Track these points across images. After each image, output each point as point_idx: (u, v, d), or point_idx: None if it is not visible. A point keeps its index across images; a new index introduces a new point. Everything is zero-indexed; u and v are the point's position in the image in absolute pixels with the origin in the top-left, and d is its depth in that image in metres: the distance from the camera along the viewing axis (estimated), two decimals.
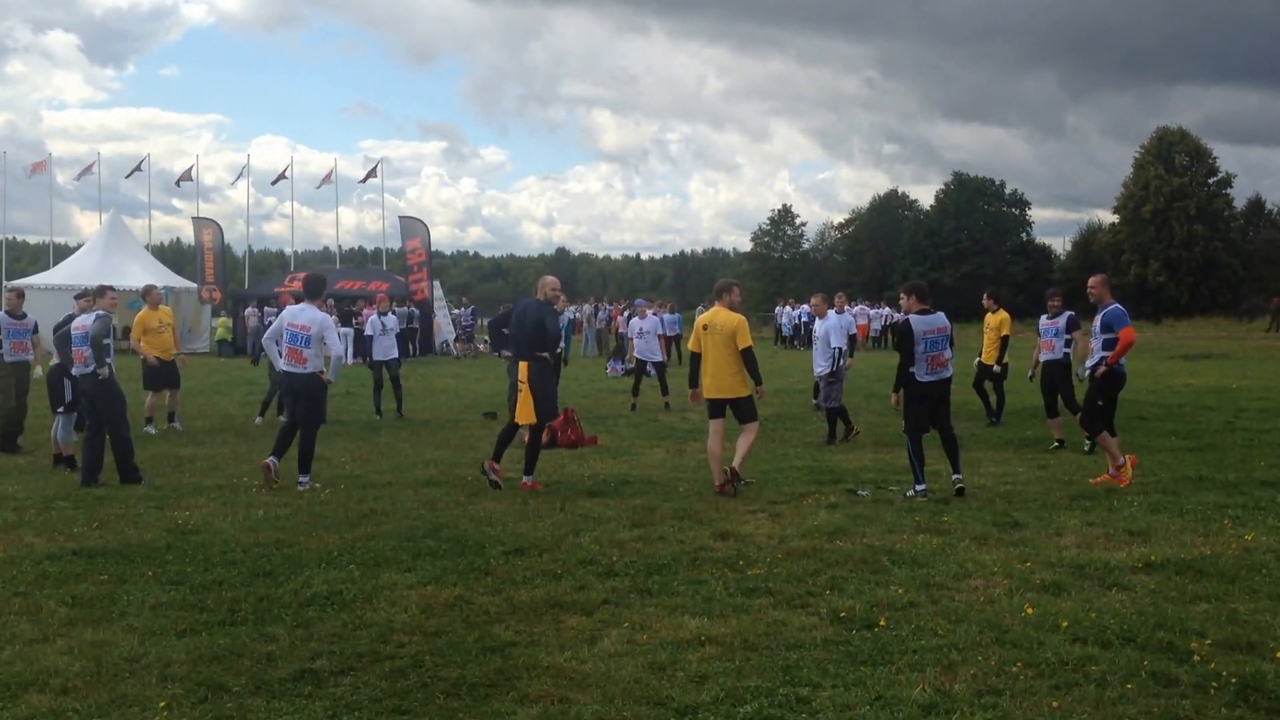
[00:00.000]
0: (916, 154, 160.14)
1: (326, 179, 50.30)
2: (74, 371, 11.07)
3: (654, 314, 20.33)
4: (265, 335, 11.18)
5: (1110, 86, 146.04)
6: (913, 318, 10.10)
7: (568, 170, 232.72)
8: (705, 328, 10.35)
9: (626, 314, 34.00)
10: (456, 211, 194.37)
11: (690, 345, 10.62)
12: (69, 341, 11.19)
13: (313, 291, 10.93)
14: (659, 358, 19.05)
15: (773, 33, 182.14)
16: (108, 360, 10.86)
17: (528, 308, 10.66)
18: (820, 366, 14.36)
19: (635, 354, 19.25)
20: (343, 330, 31.88)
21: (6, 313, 13.30)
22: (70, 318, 11.81)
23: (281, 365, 10.73)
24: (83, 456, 10.95)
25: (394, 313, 19.36)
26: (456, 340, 38.49)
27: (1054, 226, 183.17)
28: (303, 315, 10.64)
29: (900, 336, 10.26)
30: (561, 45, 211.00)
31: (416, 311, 34.82)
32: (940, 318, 10.10)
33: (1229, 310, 57.88)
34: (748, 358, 10.22)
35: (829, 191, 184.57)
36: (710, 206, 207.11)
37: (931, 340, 9.99)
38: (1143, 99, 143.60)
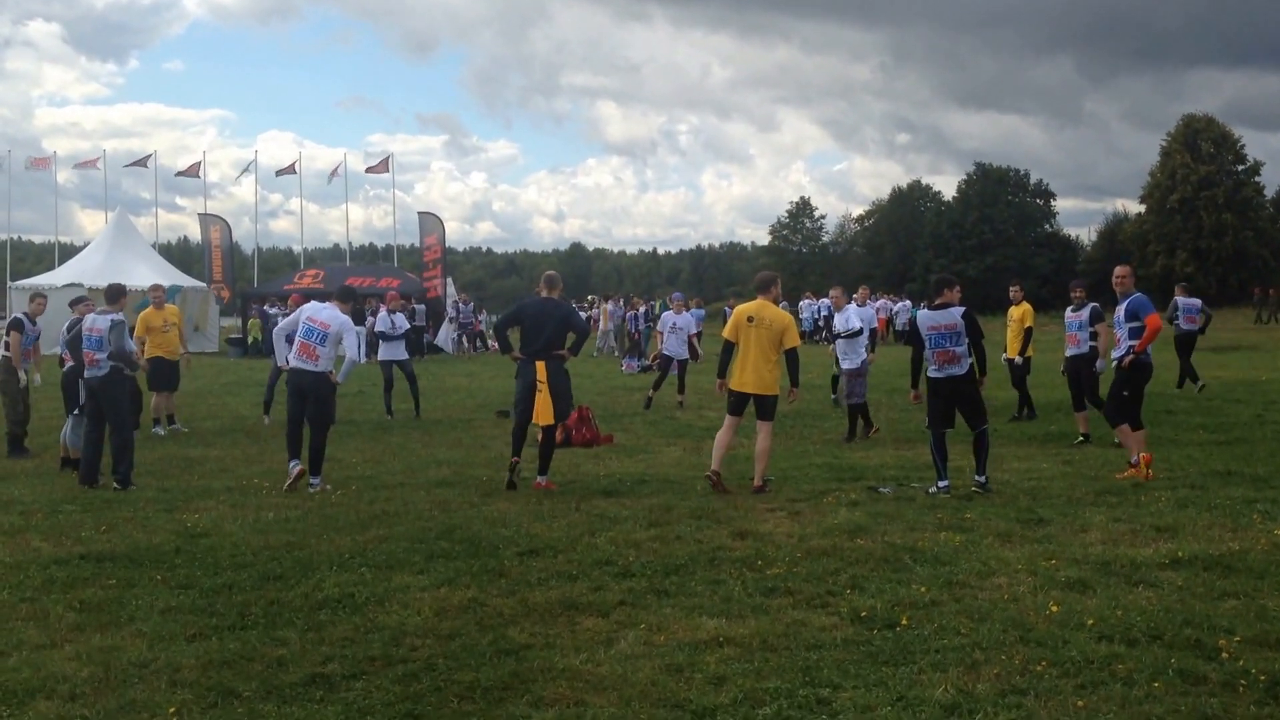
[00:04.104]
0: (930, 143, 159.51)
1: (335, 172, 50.33)
2: (85, 374, 11.01)
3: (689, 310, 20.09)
4: (276, 329, 11.14)
5: (1128, 71, 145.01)
6: (919, 313, 10.12)
7: (577, 164, 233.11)
8: (750, 319, 10.16)
9: (643, 310, 33.89)
10: (465, 207, 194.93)
11: (726, 334, 10.38)
12: (80, 343, 11.15)
13: (342, 298, 10.96)
14: (686, 355, 18.87)
15: (777, 19, 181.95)
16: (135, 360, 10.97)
17: (545, 306, 10.53)
18: (846, 360, 14.23)
19: (663, 349, 18.94)
20: (357, 329, 31.79)
21: (27, 315, 13.27)
22: (76, 323, 11.73)
23: (291, 360, 10.61)
24: (83, 455, 10.94)
25: (409, 310, 19.25)
26: (467, 339, 38.05)
27: (1074, 216, 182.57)
28: (324, 313, 10.59)
29: (911, 330, 10.22)
30: (561, 34, 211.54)
31: (422, 308, 34.46)
32: (950, 314, 9.96)
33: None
34: (794, 358, 10.22)
35: (845, 183, 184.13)
36: (724, 199, 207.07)
37: (936, 337, 9.90)
38: (1161, 84, 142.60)
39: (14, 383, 12.98)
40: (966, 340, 9.91)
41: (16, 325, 13.07)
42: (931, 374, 10.00)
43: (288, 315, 11.32)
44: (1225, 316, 50.91)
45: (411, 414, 16.91)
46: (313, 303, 11.05)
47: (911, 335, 10.24)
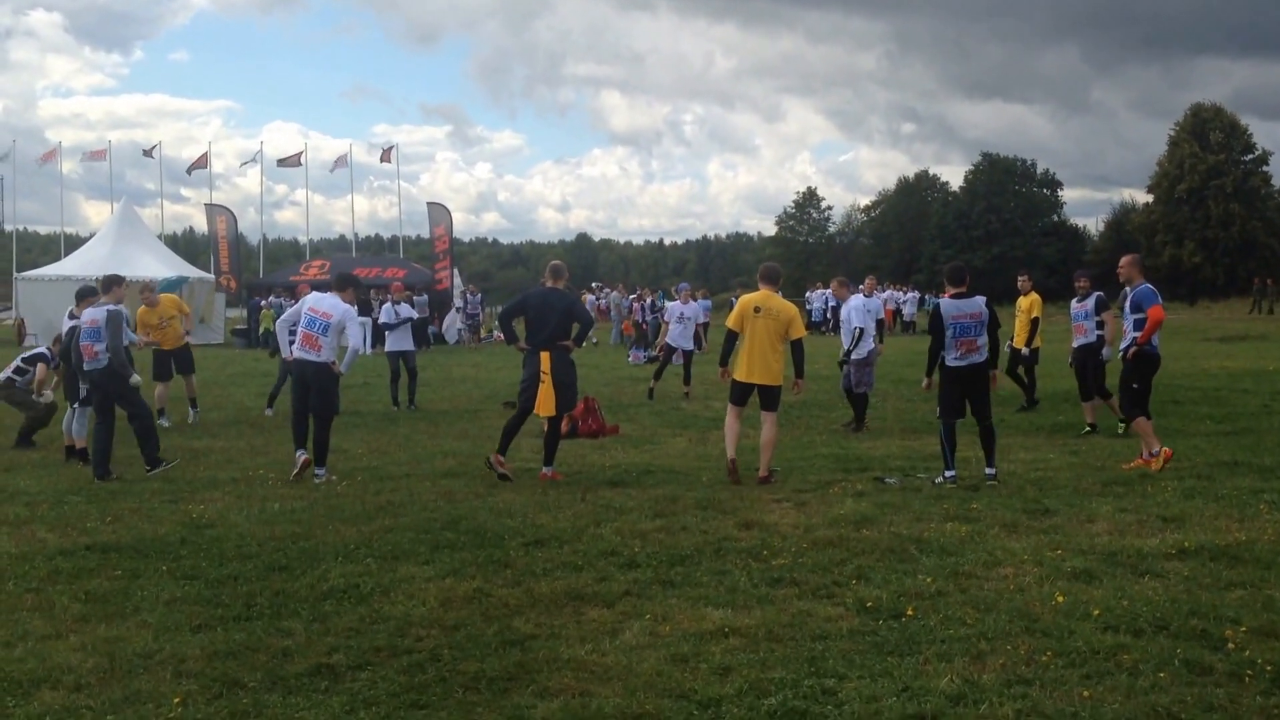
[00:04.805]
0: (936, 133, 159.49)
1: (340, 163, 50.24)
2: (85, 367, 11.03)
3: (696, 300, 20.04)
4: (280, 320, 11.12)
5: (1135, 60, 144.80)
6: (943, 301, 10.02)
7: (582, 154, 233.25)
8: (757, 309, 10.11)
9: (649, 301, 33.87)
10: (470, 197, 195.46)
11: (731, 323, 10.30)
12: (76, 336, 11.19)
13: (340, 285, 10.88)
14: (691, 346, 18.80)
15: (781, 8, 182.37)
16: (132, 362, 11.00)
17: (549, 296, 10.49)
18: (854, 351, 14.21)
19: (669, 339, 18.88)
20: (360, 319, 31.71)
21: (50, 350, 13.40)
22: (75, 327, 11.73)
23: (295, 351, 10.58)
24: (92, 449, 10.94)
25: (412, 301, 19.15)
26: (470, 330, 37.85)
27: (1081, 206, 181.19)
28: (325, 302, 10.57)
29: (931, 320, 10.15)
30: (564, 24, 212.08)
31: (423, 299, 34.28)
32: (975, 303, 9.94)
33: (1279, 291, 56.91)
34: (799, 349, 10.19)
35: (851, 173, 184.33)
36: (730, 190, 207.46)
37: (962, 325, 9.85)
38: (1168, 72, 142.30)
39: (25, 395, 13.18)
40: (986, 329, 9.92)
41: (42, 359, 13.31)
42: (952, 363, 9.91)
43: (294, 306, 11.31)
44: (1233, 306, 50.80)
45: (410, 405, 16.88)
46: (314, 293, 11.05)
47: (933, 325, 10.12)
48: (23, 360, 13.47)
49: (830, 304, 39.12)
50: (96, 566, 7.20)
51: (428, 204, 41.20)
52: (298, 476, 10.35)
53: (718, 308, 38.84)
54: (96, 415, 11.05)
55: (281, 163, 49.42)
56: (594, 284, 49.67)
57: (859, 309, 14.27)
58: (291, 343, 10.73)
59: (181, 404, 15.64)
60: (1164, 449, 10.33)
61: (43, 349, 13.59)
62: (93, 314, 11.00)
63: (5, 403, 13.48)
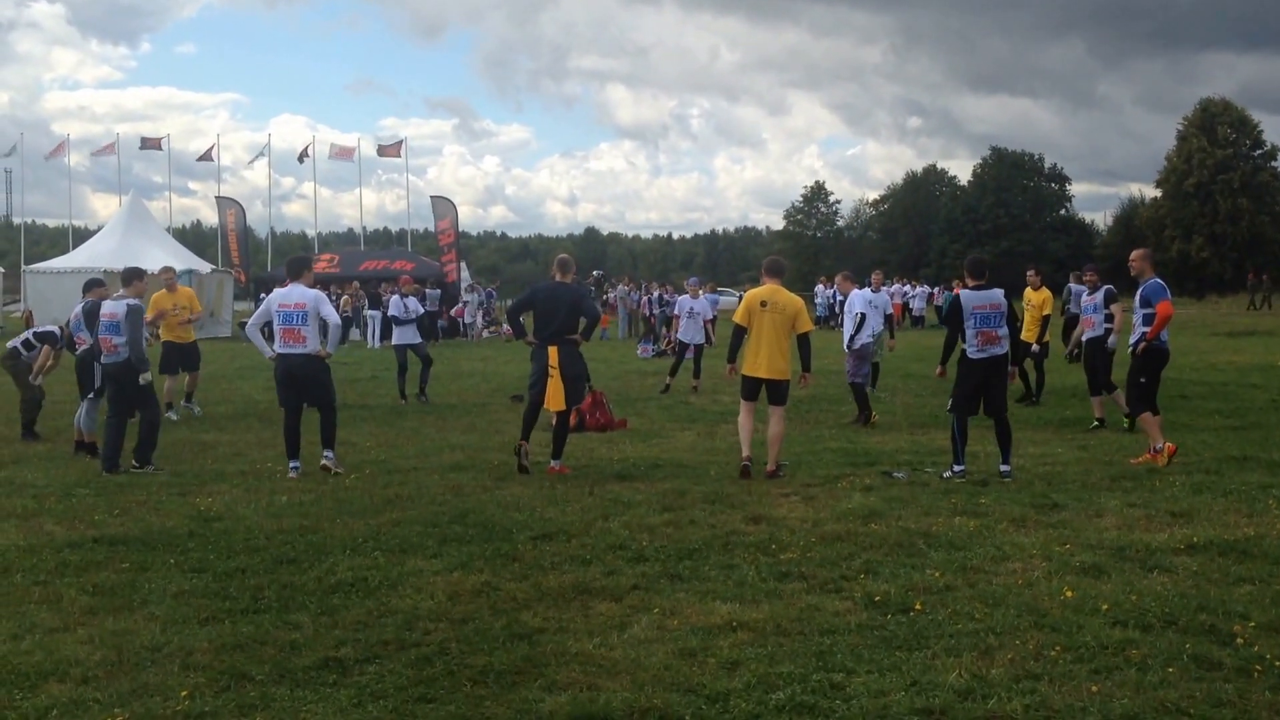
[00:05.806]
0: (942, 127, 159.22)
1: (347, 153, 50.20)
2: (103, 360, 11.01)
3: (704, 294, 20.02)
4: (249, 323, 10.97)
5: (1140, 54, 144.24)
6: (963, 293, 10.01)
7: (589, 148, 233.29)
8: (764, 304, 10.08)
9: (656, 294, 33.84)
10: (478, 191, 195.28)
11: (738, 318, 10.26)
12: (95, 328, 11.16)
13: (295, 272, 10.77)
14: (702, 340, 18.75)
15: (785, 2, 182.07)
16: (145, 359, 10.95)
17: (557, 290, 10.48)
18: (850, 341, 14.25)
19: (679, 334, 18.82)
20: (370, 313, 31.83)
21: (59, 329, 13.37)
22: (94, 305, 11.71)
23: (277, 348, 10.45)
24: (104, 441, 10.93)
25: (421, 294, 19.08)
26: (487, 325, 37.84)
27: (1088, 200, 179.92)
28: (294, 294, 10.43)
29: (949, 311, 10.11)
30: (569, 17, 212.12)
31: (435, 293, 34.31)
32: (995, 294, 9.93)
33: (1275, 286, 56.65)
34: (807, 343, 10.19)
35: (858, 167, 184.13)
36: (737, 183, 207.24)
37: (983, 315, 9.82)
38: (1174, 66, 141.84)
39: (25, 373, 13.15)
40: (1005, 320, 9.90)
41: (50, 339, 13.20)
42: (972, 355, 9.86)
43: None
44: (1241, 301, 50.64)
45: (420, 396, 16.89)
46: (276, 290, 10.93)
47: (950, 317, 10.08)
48: (34, 335, 13.35)
49: (837, 298, 39.04)
50: (104, 559, 7.21)
51: (431, 198, 41.17)
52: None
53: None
54: (110, 408, 11.05)
55: (301, 159, 49.53)
56: (595, 272, 49.49)
57: (863, 298, 14.33)
58: (269, 341, 10.65)
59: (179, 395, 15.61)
60: (1167, 444, 10.29)
61: (54, 328, 13.49)
62: (112, 308, 10.91)
63: (7, 372, 13.31)
